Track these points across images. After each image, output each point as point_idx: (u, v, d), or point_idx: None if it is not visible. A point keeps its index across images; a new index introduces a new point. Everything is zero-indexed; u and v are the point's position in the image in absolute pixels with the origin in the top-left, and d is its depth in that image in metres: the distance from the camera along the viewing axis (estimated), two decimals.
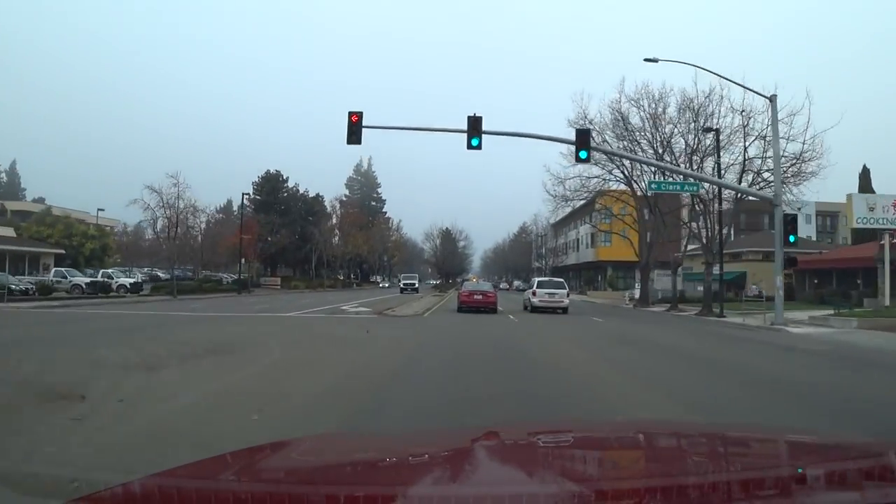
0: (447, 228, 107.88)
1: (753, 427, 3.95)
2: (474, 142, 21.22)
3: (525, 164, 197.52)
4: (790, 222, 22.76)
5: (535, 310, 28.82)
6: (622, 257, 73.93)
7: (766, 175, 29.65)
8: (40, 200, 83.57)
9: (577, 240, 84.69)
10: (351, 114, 21.96)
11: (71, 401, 6.67)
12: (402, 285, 68.55)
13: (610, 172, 38.71)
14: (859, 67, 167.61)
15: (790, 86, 57.27)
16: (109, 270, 45.02)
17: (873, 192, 41.84)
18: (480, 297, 28.41)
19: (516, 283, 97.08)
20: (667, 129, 33.13)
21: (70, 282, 38.54)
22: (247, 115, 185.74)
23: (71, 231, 58.68)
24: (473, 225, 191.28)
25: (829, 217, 77.31)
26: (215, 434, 5.54)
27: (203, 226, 60.88)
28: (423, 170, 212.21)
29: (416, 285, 68.76)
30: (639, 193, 39.40)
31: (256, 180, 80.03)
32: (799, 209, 36.55)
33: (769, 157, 29.10)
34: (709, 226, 30.73)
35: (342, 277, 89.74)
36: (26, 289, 32.43)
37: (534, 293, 30.04)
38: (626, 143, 35.32)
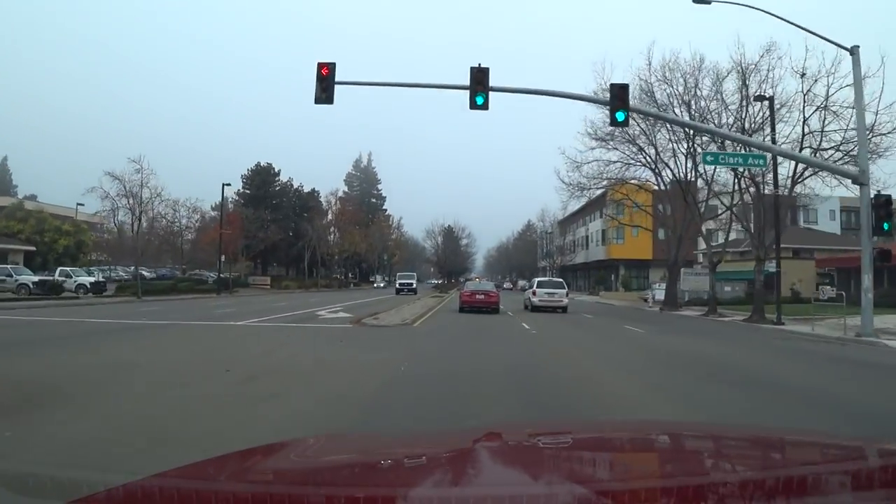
0: (449, 226, 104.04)
1: (755, 427, 3.83)
2: (479, 99, 16.34)
3: (529, 161, 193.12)
4: (882, 205, 17.71)
5: (536, 309, 29.11)
6: (635, 255, 69.70)
7: (827, 153, 24.62)
8: (32, 198, 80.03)
9: (587, 237, 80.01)
10: (321, 65, 17.05)
11: None
12: (397, 285, 61.36)
13: (632, 157, 33.86)
14: None
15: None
16: (68, 269, 40.19)
17: None
18: (482, 296, 28.14)
19: (521, 282, 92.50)
20: (702, 103, 28.11)
21: (16, 280, 33.69)
22: (246, 114, 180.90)
23: (43, 227, 54.43)
24: (477, 224, 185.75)
25: (853, 213, 72.96)
26: None
27: (197, 224, 56.78)
28: (426, 166, 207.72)
29: (414, 285, 61.51)
30: (666, 181, 34.46)
31: (246, 173, 74.94)
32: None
33: (830, 130, 24.15)
34: (759, 213, 25.55)
35: (340, 277, 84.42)
36: None
37: (534, 293, 30.53)
38: (652, 120, 30.35)
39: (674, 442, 2.39)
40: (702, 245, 45.26)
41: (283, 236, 70.63)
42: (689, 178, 31.58)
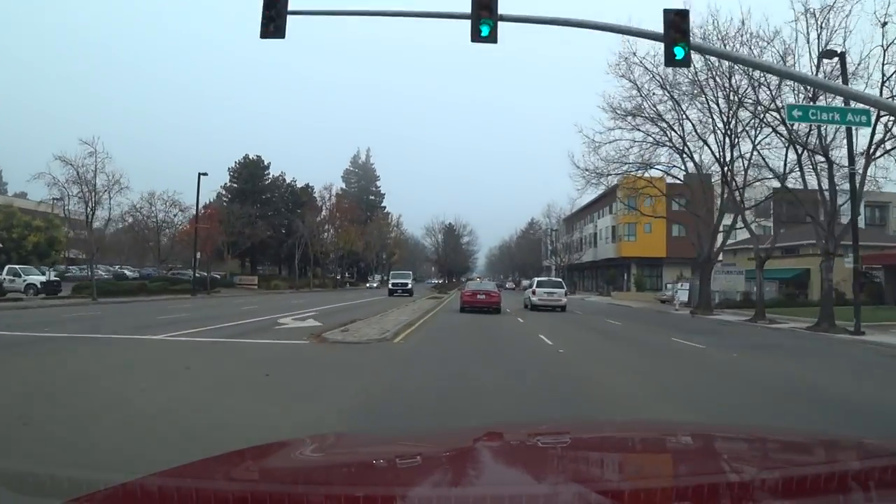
0: (450, 223, 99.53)
1: (755, 428, 3.58)
2: (484, 29, 11.84)
3: (534, 158, 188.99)
4: None
5: (535, 308, 29.63)
6: (648, 253, 65.12)
7: None
8: (21, 195, 76.45)
9: (595, 234, 75.50)
10: None
11: None
12: (390, 286, 54.31)
13: (657, 139, 29.37)
14: None
15: None
16: (17, 267, 35.83)
17: None
18: (484, 296, 27.67)
19: (524, 282, 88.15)
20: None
21: None
22: (244, 113, 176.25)
23: (11, 222, 50.27)
24: (479, 223, 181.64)
25: (877, 208, 68.60)
26: None
27: (176, 218, 52.52)
28: (427, 163, 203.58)
29: (410, 286, 53.94)
30: (694, 165, 29.95)
31: (233, 166, 70.34)
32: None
33: None
34: (833, 196, 20.85)
35: (335, 277, 79.68)
36: None
37: (533, 292, 31.05)
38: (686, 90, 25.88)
39: (674, 442, 2.34)
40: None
41: (273, 233, 66.01)
42: (725, 159, 26.98)
